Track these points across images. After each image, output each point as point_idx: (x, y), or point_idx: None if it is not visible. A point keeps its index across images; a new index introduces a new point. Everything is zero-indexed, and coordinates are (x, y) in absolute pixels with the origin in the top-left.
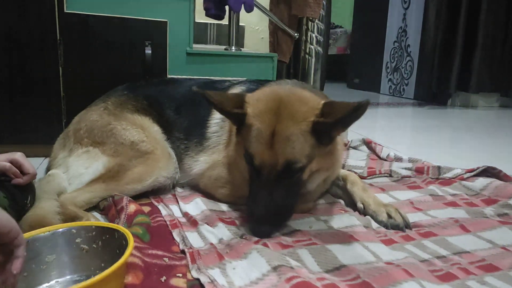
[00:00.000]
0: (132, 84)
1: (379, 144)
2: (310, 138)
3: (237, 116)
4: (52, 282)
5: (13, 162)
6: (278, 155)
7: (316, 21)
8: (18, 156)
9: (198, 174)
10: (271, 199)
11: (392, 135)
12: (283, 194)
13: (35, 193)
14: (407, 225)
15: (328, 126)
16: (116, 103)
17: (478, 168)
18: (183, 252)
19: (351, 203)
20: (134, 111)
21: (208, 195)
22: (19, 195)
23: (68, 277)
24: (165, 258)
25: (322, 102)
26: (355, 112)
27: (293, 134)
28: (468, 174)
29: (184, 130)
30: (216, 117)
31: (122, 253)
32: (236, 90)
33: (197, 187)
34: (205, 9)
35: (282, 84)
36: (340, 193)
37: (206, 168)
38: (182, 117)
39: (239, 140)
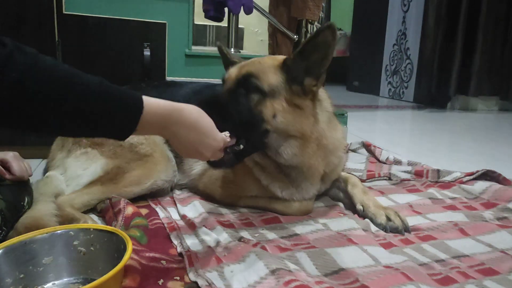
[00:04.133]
0: (133, 86)
1: (378, 147)
2: (279, 73)
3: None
4: (49, 284)
5: (2, 162)
6: (243, 68)
7: (316, 23)
8: (10, 156)
9: (199, 174)
10: (222, 109)
11: (392, 138)
12: (235, 111)
13: (32, 195)
14: (406, 229)
15: (296, 63)
16: None
17: (477, 171)
18: (180, 255)
19: (351, 205)
20: None
21: (207, 196)
22: (15, 197)
23: (65, 279)
24: (162, 261)
25: None
26: (315, 38)
27: (264, 62)
28: (468, 178)
29: None
30: None
31: (120, 257)
32: None
33: (196, 188)
34: (204, 11)
35: None
36: (340, 195)
37: (207, 167)
38: None
39: None
